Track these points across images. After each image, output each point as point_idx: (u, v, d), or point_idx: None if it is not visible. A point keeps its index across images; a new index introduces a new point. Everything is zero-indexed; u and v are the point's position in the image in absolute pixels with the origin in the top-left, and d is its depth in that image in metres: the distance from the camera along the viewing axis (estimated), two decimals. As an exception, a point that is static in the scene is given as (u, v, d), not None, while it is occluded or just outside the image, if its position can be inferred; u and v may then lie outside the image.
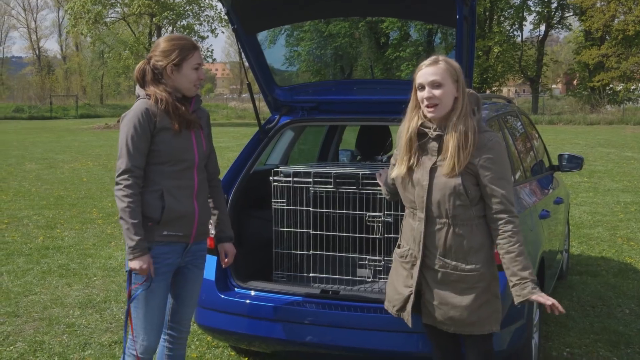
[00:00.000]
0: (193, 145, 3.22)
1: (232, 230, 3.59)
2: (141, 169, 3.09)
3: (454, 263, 3.02)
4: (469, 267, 3.01)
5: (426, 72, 2.97)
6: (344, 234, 4.23)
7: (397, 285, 3.20)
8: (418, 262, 3.08)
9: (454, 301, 3.04)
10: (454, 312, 3.04)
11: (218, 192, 3.53)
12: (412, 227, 3.11)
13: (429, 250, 3.07)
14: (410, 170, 3.07)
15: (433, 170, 3.01)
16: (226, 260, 3.58)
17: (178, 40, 3.18)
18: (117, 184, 3.07)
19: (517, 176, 4.49)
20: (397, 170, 3.12)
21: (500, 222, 2.96)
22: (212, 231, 3.55)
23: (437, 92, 2.95)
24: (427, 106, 2.97)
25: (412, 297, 3.12)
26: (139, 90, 3.22)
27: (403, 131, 3.10)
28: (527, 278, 2.91)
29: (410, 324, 3.18)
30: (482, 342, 3.13)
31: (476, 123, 2.98)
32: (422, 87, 2.99)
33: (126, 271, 3.21)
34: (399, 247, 3.24)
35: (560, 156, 5.84)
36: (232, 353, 4.62)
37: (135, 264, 3.05)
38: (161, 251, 3.17)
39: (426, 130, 3.03)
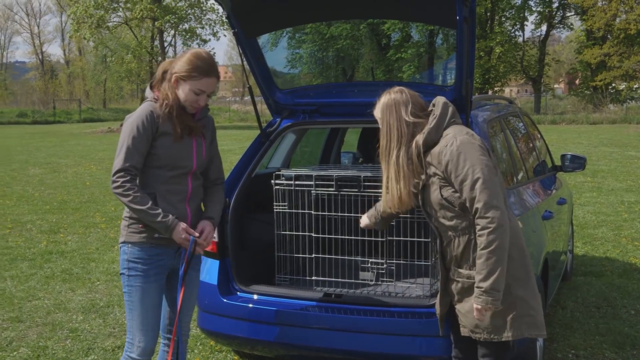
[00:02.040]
0: (192, 153, 3.23)
1: (217, 215, 3.40)
2: (138, 169, 3.10)
3: (466, 272, 3.04)
4: None
5: None
6: (346, 237, 4.21)
7: (438, 296, 3.28)
8: (442, 274, 3.17)
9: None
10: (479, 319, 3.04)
11: (218, 194, 3.43)
12: (436, 241, 3.20)
13: (447, 263, 3.14)
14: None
15: (423, 190, 3.10)
16: (200, 236, 3.25)
17: (199, 61, 3.16)
18: (114, 182, 3.07)
19: (519, 176, 4.47)
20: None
21: (476, 224, 2.94)
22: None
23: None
24: None
25: (439, 306, 3.24)
26: (147, 92, 3.24)
27: None
28: (476, 283, 2.93)
29: (440, 332, 3.28)
30: (495, 349, 3.11)
31: (425, 136, 3.02)
32: None
33: (120, 274, 3.25)
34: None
35: (563, 156, 5.82)
36: (236, 357, 4.61)
37: (176, 239, 3.10)
38: (153, 252, 3.19)
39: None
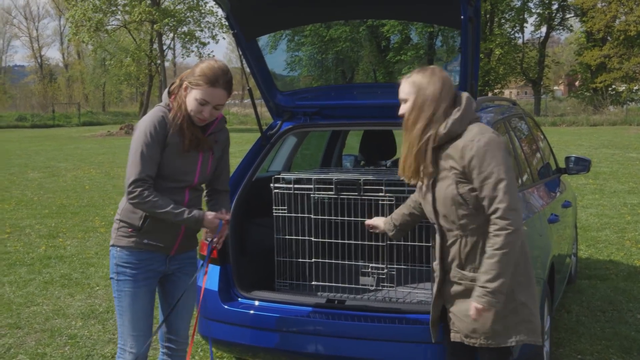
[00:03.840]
0: (196, 168, 3.16)
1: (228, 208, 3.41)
2: (152, 178, 3.02)
3: (471, 274, 2.95)
4: None
5: (400, 88, 3.03)
6: (346, 241, 4.15)
7: (433, 299, 3.19)
8: (438, 276, 3.07)
9: None
10: (477, 323, 2.95)
11: (226, 198, 3.44)
12: (435, 241, 3.10)
13: (447, 263, 3.04)
14: (421, 186, 3.08)
15: (434, 184, 2.99)
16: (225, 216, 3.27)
17: (208, 70, 3.06)
18: (130, 192, 2.97)
19: (524, 179, 4.41)
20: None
21: (489, 223, 2.87)
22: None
23: (402, 108, 3.00)
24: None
25: (432, 310, 3.13)
26: (164, 95, 3.16)
27: None
28: (480, 282, 2.83)
29: (433, 339, 3.17)
30: (498, 356, 3.04)
31: (450, 126, 2.89)
32: None
33: (110, 278, 3.20)
34: (434, 260, 3.21)
35: (567, 158, 5.76)
36: (237, 364, 4.54)
37: (209, 227, 3.14)
38: (142, 257, 3.14)
39: None
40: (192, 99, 3.06)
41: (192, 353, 4.72)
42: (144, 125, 3.04)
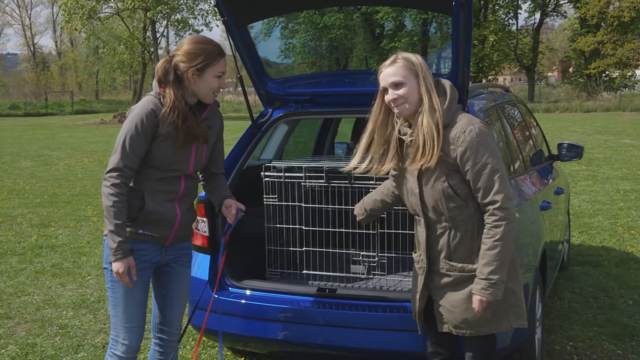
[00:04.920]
0: (191, 158, 3.10)
1: (229, 192, 3.41)
2: (133, 170, 2.97)
3: (460, 265, 2.94)
4: (475, 266, 2.91)
5: (386, 73, 2.91)
6: (337, 230, 4.13)
7: (414, 291, 3.17)
8: (425, 268, 3.04)
9: (467, 303, 2.94)
10: (468, 313, 2.94)
11: (224, 181, 3.43)
12: (418, 232, 3.06)
13: (434, 255, 3.01)
14: (402, 178, 3.03)
15: (420, 176, 2.94)
16: (234, 212, 3.30)
17: (205, 44, 3.01)
18: (106, 180, 2.95)
19: (516, 166, 4.40)
20: (385, 167, 3.06)
21: (485, 214, 2.87)
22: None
23: (399, 91, 2.88)
24: (395, 106, 2.91)
25: (417, 303, 3.10)
26: (155, 84, 3.07)
27: (376, 136, 3.05)
28: (483, 275, 2.82)
29: (419, 330, 3.15)
30: (484, 343, 3.03)
31: (443, 113, 2.85)
32: (386, 90, 2.93)
33: (104, 268, 3.15)
34: (414, 252, 3.18)
35: (560, 145, 5.74)
36: (228, 353, 4.53)
37: (115, 266, 2.95)
38: (137, 247, 3.08)
39: (402, 137, 2.97)
40: (209, 79, 3.01)
41: (184, 342, 4.70)
42: (133, 115, 2.98)
